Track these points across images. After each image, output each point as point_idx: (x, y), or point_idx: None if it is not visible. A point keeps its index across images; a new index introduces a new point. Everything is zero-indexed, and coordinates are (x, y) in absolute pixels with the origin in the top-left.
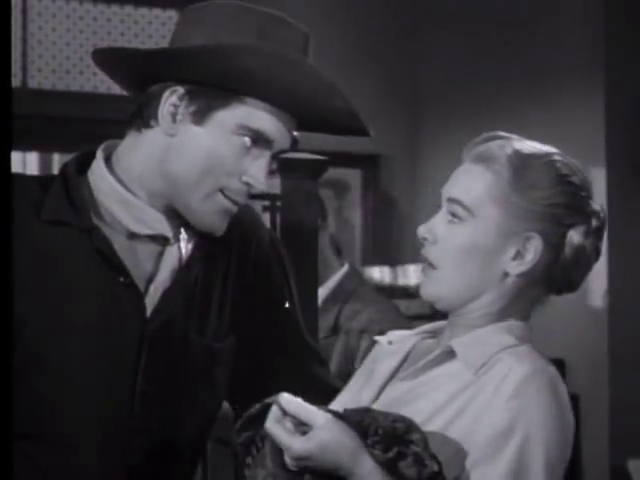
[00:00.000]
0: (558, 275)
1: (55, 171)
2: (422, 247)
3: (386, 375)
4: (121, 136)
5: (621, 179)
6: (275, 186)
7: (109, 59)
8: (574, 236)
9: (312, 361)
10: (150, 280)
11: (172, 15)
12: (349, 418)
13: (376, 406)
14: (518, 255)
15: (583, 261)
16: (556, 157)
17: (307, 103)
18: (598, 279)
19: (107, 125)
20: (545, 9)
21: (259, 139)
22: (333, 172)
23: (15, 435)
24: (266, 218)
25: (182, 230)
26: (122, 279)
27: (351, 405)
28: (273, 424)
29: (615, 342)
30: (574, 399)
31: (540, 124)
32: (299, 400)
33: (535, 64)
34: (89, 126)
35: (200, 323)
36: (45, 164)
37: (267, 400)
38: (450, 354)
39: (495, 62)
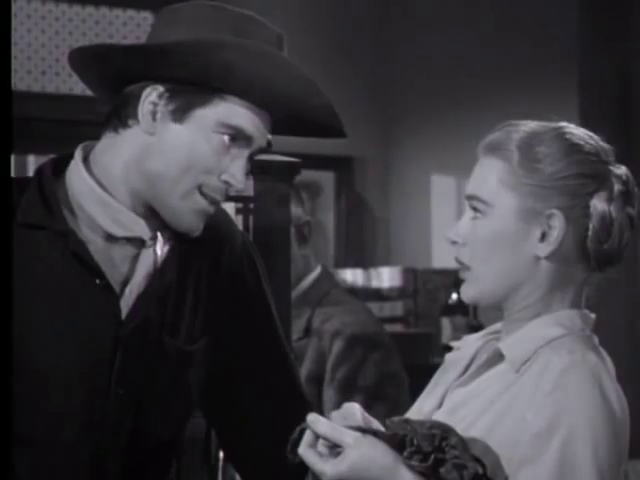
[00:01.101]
0: (593, 249)
1: (30, 173)
2: (455, 251)
3: (448, 382)
4: (97, 137)
5: None
6: (248, 188)
7: (87, 57)
8: (597, 204)
9: (287, 364)
10: (125, 283)
11: (147, 16)
12: (382, 433)
13: (438, 414)
14: (544, 236)
15: (614, 229)
16: (563, 129)
17: (287, 100)
18: None
19: (83, 126)
20: (518, 10)
21: (238, 137)
22: (306, 174)
23: None
24: (239, 220)
25: (158, 233)
26: (98, 281)
27: (416, 416)
28: (306, 449)
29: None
30: None
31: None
32: (328, 421)
33: (507, 66)
34: (65, 128)
35: (173, 326)
36: (20, 166)
37: (303, 425)
38: (500, 356)
39: (466, 67)
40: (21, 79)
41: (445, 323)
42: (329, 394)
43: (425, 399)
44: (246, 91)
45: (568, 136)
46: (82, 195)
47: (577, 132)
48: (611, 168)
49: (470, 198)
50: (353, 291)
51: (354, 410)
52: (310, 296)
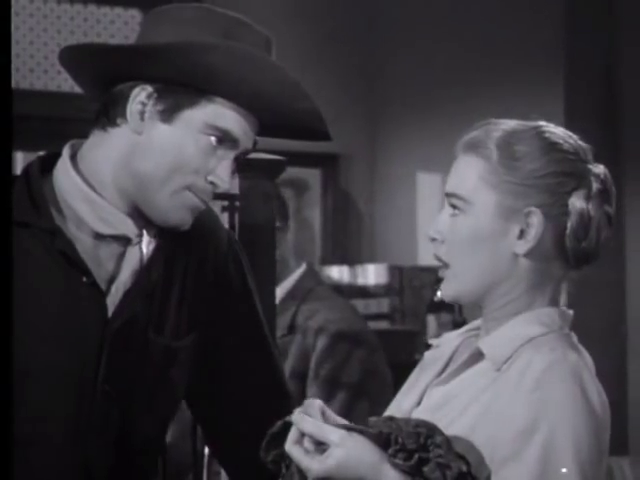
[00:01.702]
0: (571, 247)
1: (18, 169)
2: (433, 248)
3: (427, 380)
4: (84, 135)
5: None
6: (234, 186)
7: (77, 56)
8: (575, 202)
9: (272, 361)
10: (112, 280)
11: (134, 14)
12: (367, 431)
13: (417, 412)
14: (522, 234)
15: (592, 227)
16: (542, 128)
17: (273, 103)
18: None
19: (71, 124)
20: (504, 7)
21: (225, 139)
22: (292, 171)
23: None
24: (225, 218)
25: (144, 231)
26: (85, 279)
27: (395, 414)
28: (292, 445)
29: (580, 338)
30: None
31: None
32: (313, 420)
33: (492, 64)
34: (53, 125)
35: (159, 322)
36: (19, 164)
37: (287, 418)
38: (480, 355)
39: (451, 63)
40: (24, 77)
41: (431, 320)
42: (313, 391)
43: (404, 397)
44: (233, 94)
45: (547, 135)
46: (69, 193)
47: (556, 131)
48: (590, 167)
49: (449, 195)
50: (339, 288)
51: (314, 406)
52: (294, 293)
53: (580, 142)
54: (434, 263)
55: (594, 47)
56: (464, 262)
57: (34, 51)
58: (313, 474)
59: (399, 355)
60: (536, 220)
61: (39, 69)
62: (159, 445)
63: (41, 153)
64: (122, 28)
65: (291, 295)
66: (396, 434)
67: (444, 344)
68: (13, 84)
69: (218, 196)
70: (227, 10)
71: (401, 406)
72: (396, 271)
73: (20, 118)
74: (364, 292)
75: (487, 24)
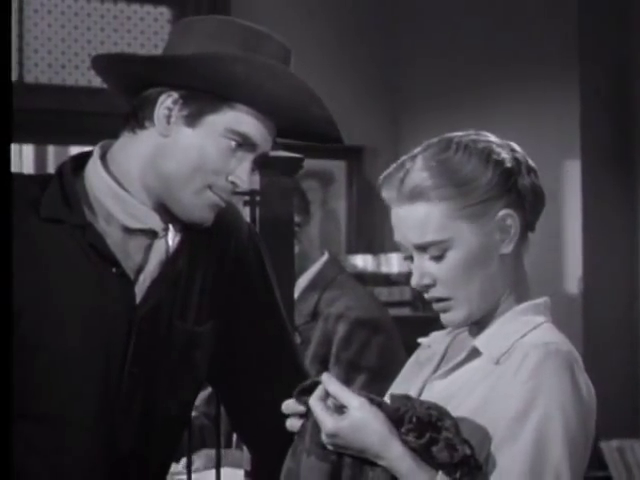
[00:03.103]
0: (531, 226)
1: (50, 163)
2: (426, 294)
3: (425, 377)
4: (113, 128)
5: (595, 170)
6: (255, 182)
7: (108, 64)
8: (524, 182)
9: (290, 347)
10: (139, 270)
11: (163, 11)
12: (386, 406)
13: None
14: (504, 235)
15: (539, 199)
16: (459, 145)
17: (289, 111)
18: (573, 266)
19: (101, 118)
20: (520, 2)
21: (245, 142)
22: (319, 164)
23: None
24: (246, 212)
25: (170, 225)
26: (114, 270)
27: None
28: (316, 401)
29: (589, 327)
30: None
31: (517, 117)
32: (339, 383)
33: (512, 57)
34: (83, 119)
35: (183, 309)
36: (40, 157)
37: (317, 378)
38: (476, 351)
39: (473, 56)
40: (42, 72)
41: None
42: (334, 373)
43: (401, 389)
44: (252, 101)
45: (472, 146)
46: (100, 191)
47: (467, 140)
48: (508, 150)
49: (423, 247)
50: (363, 276)
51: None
52: (317, 282)
53: (485, 133)
54: None
55: (608, 48)
56: (466, 290)
57: (65, 48)
58: (326, 429)
59: None
60: (511, 220)
61: (70, 65)
62: (183, 423)
63: (72, 146)
64: (152, 25)
65: (313, 284)
66: (411, 413)
67: (435, 343)
68: (45, 80)
69: (240, 192)
70: (252, 13)
71: (410, 390)
72: None
73: (53, 113)
74: (387, 280)
75: (507, 24)
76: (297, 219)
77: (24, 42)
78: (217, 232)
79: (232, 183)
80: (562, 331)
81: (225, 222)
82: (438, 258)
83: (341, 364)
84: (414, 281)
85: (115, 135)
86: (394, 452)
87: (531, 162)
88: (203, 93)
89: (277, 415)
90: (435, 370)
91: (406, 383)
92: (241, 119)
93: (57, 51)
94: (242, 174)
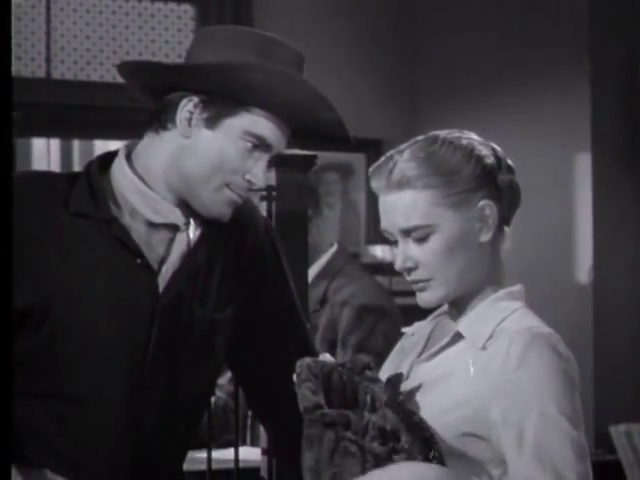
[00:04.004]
0: (508, 216)
1: (75, 157)
2: (408, 275)
3: (410, 361)
4: (136, 122)
5: (606, 163)
6: (271, 179)
7: (133, 71)
8: (504, 178)
9: (303, 332)
10: (162, 262)
11: (187, 9)
12: (353, 415)
13: (406, 385)
14: (483, 224)
15: (515, 195)
16: (445, 141)
17: (302, 114)
18: (584, 256)
19: (124, 113)
20: (533, 1)
21: (260, 144)
22: (339, 156)
23: (46, 394)
24: (263, 207)
25: (191, 220)
26: (139, 261)
27: None
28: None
29: (599, 315)
30: None
31: (530, 111)
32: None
33: (526, 54)
34: (108, 114)
35: (203, 297)
36: (66, 150)
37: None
38: (459, 335)
39: (489, 52)
40: (68, 69)
41: None
42: (341, 357)
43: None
44: (267, 105)
45: (456, 142)
46: (125, 188)
47: (452, 137)
48: (490, 148)
49: (408, 231)
50: (381, 266)
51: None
52: (326, 272)
53: (465, 134)
54: None
55: (619, 44)
56: (446, 272)
57: (90, 45)
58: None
59: None
60: (490, 211)
61: (95, 62)
62: (204, 402)
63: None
64: (175, 22)
65: (323, 273)
66: (374, 422)
67: (419, 330)
68: (71, 76)
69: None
70: (274, 9)
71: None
72: None
73: (78, 108)
74: None
75: (518, 20)
76: (309, 212)
77: (51, 40)
78: (235, 226)
79: (249, 181)
80: (573, 319)
81: (242, 217)
82: (422, 240)
83: (348, 348)
84: (398, 264)
85: (137, 129)
86: None
87: (510, 161)
88: (222, 98)
89: (290, 395)
90: (419, 355)
91: (393, 369)
92: (257, 122)
93: (82, 48)
94: (258, 173)
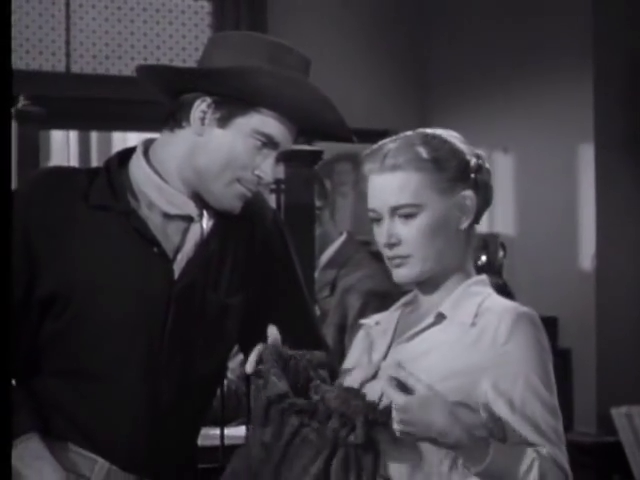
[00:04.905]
0: (482, 212)
1: (94, 149)
2: (389, 251)
3: (386, 344)
4: (152, 115)
5: (608, 152)
6: (279, 172)
7: (150, 73)
8: (484, 176)
9: (310, 317)
10: (177, 251)
11: (204, 5)
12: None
13: (386, 365)
14: (463, 213)
15: (489, 196)
16: (435, 135)
17: (308, 115)
18: (587, 244)
19: (141, 106)
20: None
21: (269, 142)
22: (351, 147)
23: (69, 373)
24: (272, 199)
25: (204, 211)
26: (156, 250)
27: (365, 368)
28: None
29: (602, 301)
30: (566, 353)
31: (535, 102)
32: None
33: (531, 45)
34: (125, 107)
35: (215, 284)
36: (84, 142)
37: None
38: (440, 317)
39: (497, 46)
40: (87, 63)
41: None
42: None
43: (364, 355)
44: (275, 107)
45: (445, 136)
46: (142, 182)
47: (443, 133)
48: (474, 149)
49: (397, 208)
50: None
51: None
52: (335, 259)
53: (452, 132)
54: (479, 230)
55: (621, 37)
56: (425, 250)
57: (109, 40)
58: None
59: None
60: (470, 201)
61: (113, 56)
62: (216, 381)
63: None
64: (192, 17)
65: (332, 261)
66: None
67: (384, 320)
68: (90, 70)
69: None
70: (289, 3)
71: (376, 357)
72: None
73: (97, 101)
74: None
75: (525, 14)
76: (318, 203)
77: (71, 35)
78: (245, 217)
79: (258, 176)
80: (576, 304)
81: (252, 209)
82: (409, 218)
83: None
84: (383, 240)
85: (153, 121)
86: (457, 429)
87: (488, 166)
88: (233, 99)
89: None
90: (392, 339)
91: (358, 356)
92: (266, 122)
93: (101, 43)
94: (267, 169)
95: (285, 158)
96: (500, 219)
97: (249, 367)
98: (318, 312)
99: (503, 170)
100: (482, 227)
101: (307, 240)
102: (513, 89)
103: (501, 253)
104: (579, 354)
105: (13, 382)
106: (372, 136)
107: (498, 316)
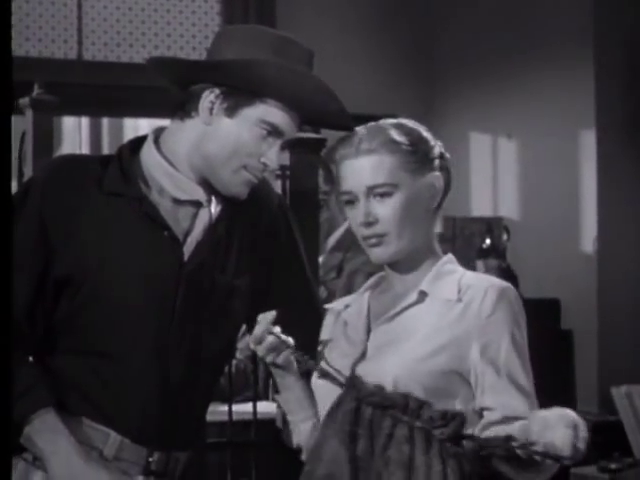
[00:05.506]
0: (445, 194)
1: (105, 135)
2: (366, 230)
3: (364, 326)
4: (162, 101)
5: (609, 137)
6: (285, 159)
7: (161, 65)
8: (447, 164)
9: (313, 297)
10: (187, 234)
11: (213, 5)
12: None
13: (372, 345)
14: (431, 194)
15: (450, 185)
16: (406, 124)
17: (311, 105)
18: (588, 227)
19: (152, 92)
20: None
21: (274, 131)
22: None
23: (83, 351)
24: (278, 185)
25: (212, 197)
26: (166, 233)
27: (347, 349)
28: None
29: (603, 283)
30: (568, 334)
31: (539, 89)
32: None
33: (532, 32)
34: (136, 93)
35: (223, 265)
36: (96, 128)
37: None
38: (422, 294)
39: (500, 33)
40: (99, 50)
41: (479, 265)
42: None
43: (342, 343)
44: (280, 97)
45: (413, 125)
46: (153, 169)
47: (411, 122)
48: (431, 135)
49: (374, 188)
50: None
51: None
52: (342, 243)
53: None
54: (484, 214)
55: (622, 24)
56: (400, 229)
57: (120, 28)
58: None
59: None
60: (437, 182)
61: (125, 44)
62: (224, 360)
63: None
64: (202, 5)
65: (339, 244)
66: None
67: (354, 302)
68: (102, 58)
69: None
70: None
71: (356, 338)
72: (450, 221)
73: (109, 88)
74: None
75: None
76: (325, 188)
77: (82, 23)
78: (252, 203)
79: (263, 164)
80: (578, 287)
81: (259, 194)
82: (385, 196)
83: None
84: (360, 219)
85: (162, 107)
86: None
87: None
88: (240, 90)
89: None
90: (368, 320)
91: (342, 338)
92: (271, 112)
93: (113, 31)
94: (272, 156)
95: (290, 145)
96: (504, 203)
97: (253, 340)
98: (325, 293)
99: (507, 155)
100: (486, 211)
101: (311, 224)
102: (516, 76)
103: (505, 236)
104: (581, 335)
105: (30, 359)
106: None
107: (484, 290)
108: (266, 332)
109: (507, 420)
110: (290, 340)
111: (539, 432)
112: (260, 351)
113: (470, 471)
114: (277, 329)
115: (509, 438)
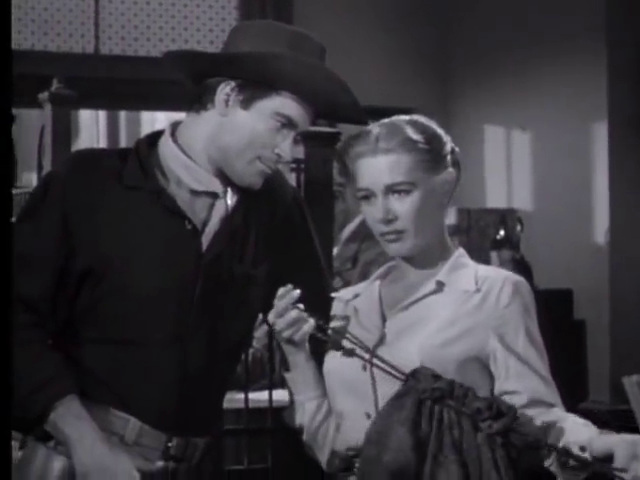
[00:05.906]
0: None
1: (122, 127)
2: (385, 227)
3: (378, 315)
4: (178, 95)
5: (621, 130)
6: (299, 152)
7: (177, 59)
8: (457, 156)
9: (326, 287)
10: (204, 225)
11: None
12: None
13: (390, 331)
14: (445, 191)
15: (458, 181)
16: (421, 120)
17: (324, 98)
18: (600, 219)
19: (169, 86)
20: None
21: (288, 123)
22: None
23: (104, 340)
24: (293, 177)
25: (228, 188)
26: (186, 223)
27: (366, 333)
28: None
29: (615, 274)
30: (580, 324)
31: (550, 82)
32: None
33: (546, 25)
34: (153, 86)
35: (240, 255)
36: (113, 121)
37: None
38: (440, 285)
39: (515, 26)
40: (116, 45)
41: (493, 256)
42: None
43: (354, 329)
44: (295, 90)
45: (428, 123)
46: (171, 161)
47: (425, 119)
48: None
49: (392, 186)
50: None
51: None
52: (357, 234)
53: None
54: (498, 206)
55: (634, 18)
56: (418, 225)
57: (138, 22)
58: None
59: None
60: (451, 178)
61: (142, 38)
62: (241, 349)
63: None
64: (219, 12)
65: (354, 235)
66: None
67: (363, 291)
68: (119, 51)
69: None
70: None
71: (370, 325)
72: (465, 213)
73: (126, 81)
74: None
75: None
76: (341, 180)
77: (100, 17)
78: (267, 194)
79: (277, 155)
80: (590, 278)
81: (274, 186)
82: (404, 194)
83: None
84: (380, 216)
85: (179, 101)
86: None
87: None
88: (255, 83)
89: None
90: (381, 308)
91: (355, 325)
92: (286, 104)
93: (130, 25)
94: (286, 148)
95: (305, 139)
96: (518, 195)
97: (275, 314)
98: (341, 283)
99: (521, 147)
100: (500, 202)
101: (325, 216)
102: (530, 69)
103: (518, 228)
104: (593, 325)
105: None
106: (395, 114)
107: (501, 282)
108: (290, 306)
109: (534, 403)
110: (311, 319)
111: (626, 460)
112: (279, 324)
113: (518, 459)
114: (300, 305)
115: (583, 449)
